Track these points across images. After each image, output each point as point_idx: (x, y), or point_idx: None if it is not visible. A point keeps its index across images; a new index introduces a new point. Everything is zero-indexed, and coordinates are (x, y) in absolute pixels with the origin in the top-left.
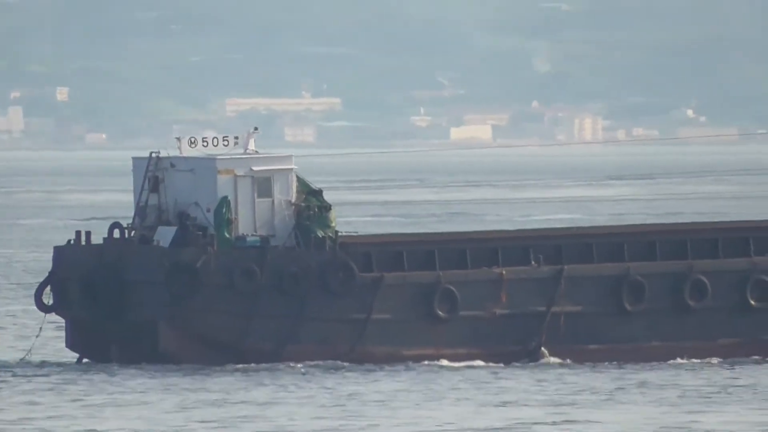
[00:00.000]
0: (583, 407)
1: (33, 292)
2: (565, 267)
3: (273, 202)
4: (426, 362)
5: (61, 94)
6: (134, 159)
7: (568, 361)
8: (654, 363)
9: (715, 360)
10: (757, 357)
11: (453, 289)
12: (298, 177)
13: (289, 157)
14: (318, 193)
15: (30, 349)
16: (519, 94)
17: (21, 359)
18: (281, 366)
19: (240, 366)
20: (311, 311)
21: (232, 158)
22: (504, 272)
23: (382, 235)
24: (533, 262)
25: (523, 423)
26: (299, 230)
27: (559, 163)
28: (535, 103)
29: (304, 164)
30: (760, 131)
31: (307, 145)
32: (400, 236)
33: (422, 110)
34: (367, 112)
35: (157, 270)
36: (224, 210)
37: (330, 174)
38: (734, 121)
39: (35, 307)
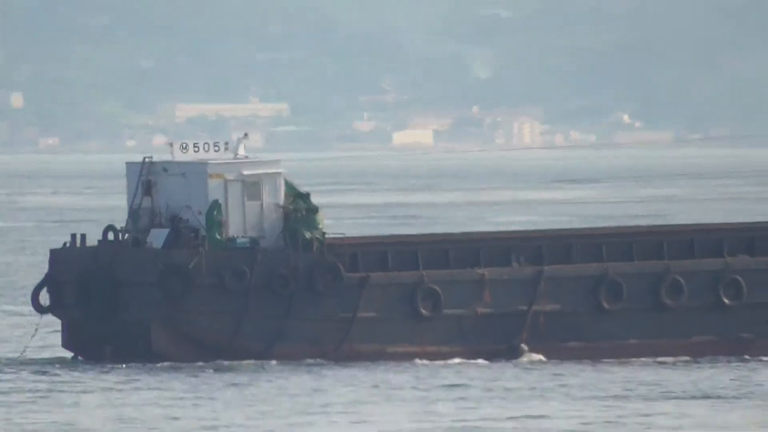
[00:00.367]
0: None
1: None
2: (546, 267)
3: (262, 205)
4: (411, 360)
5: (16, 100)
6: (128, 164)
7: (543, 358)
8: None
9: (687, 358)
10: (731, 355)
11: (436, 288)
12: (286, 181)
13: (277, 161)
14: (305, 196)
15: (24, 349)
16: (460, 99)
17: (15, 358)
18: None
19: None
20: (299, 310)
21: (222, 163)
22: (486, 273)
23: (368, 237)
24: (514, 263)
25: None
26: (287, 232)
27: (498, 166)
28: (475, 108)
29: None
30: (694, 136)
31: (256, 149)
32: (385, 237)
33: (366, 115)
34: (313, 117)
35: (150, 271)
36: (215, 213)
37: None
38: (669, 126)
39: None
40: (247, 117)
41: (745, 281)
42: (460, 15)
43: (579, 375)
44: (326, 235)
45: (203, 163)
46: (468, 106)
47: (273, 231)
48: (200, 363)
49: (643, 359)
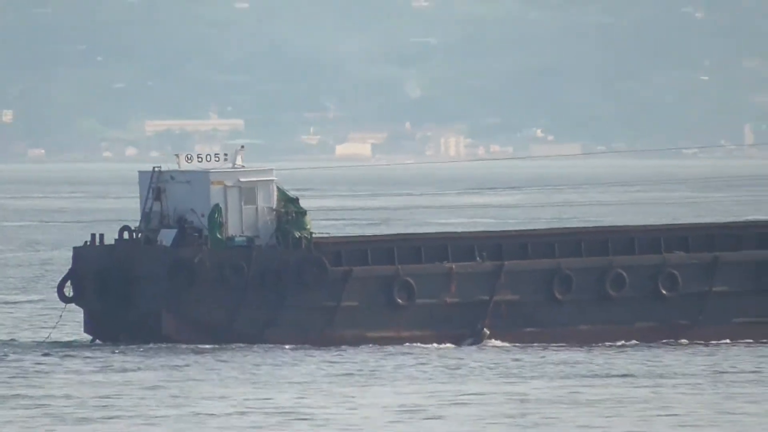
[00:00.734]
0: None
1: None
2: (506, 262)
3: (257, 208)
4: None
5: (7, 116)
6: (140, 172)
7: (507, 343)
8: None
9: (632, 342)
10: (669, 339)
11: (410, 280)
12: (278, 187)
13: (271, 170)
14: (295, 201)
15: (49, 334)
16: (394, 115)
17: (40, 342)
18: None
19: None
20: (289, 300)
21: (222, 171)
22: (453, 267)
23: (350, 236)
24: (478, 258)
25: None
26: (279, 232)
27: (429, 175)
28: (407, 124)
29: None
30: (599, 148)
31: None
32: (365, 237)
33: (311, 130)
34: (265, 131)
35: (160, 266)
36: (216, 215)
37: None
38: (577, 139)
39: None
40: (207, 131)
41: (681, 274)
42: (394, 42)
43: (535, 356)
44: (313, 235)
45: (206, 172)
46: (401, 122)
47: (267, 231)
48: (203, 345)
49: (591, 344)
